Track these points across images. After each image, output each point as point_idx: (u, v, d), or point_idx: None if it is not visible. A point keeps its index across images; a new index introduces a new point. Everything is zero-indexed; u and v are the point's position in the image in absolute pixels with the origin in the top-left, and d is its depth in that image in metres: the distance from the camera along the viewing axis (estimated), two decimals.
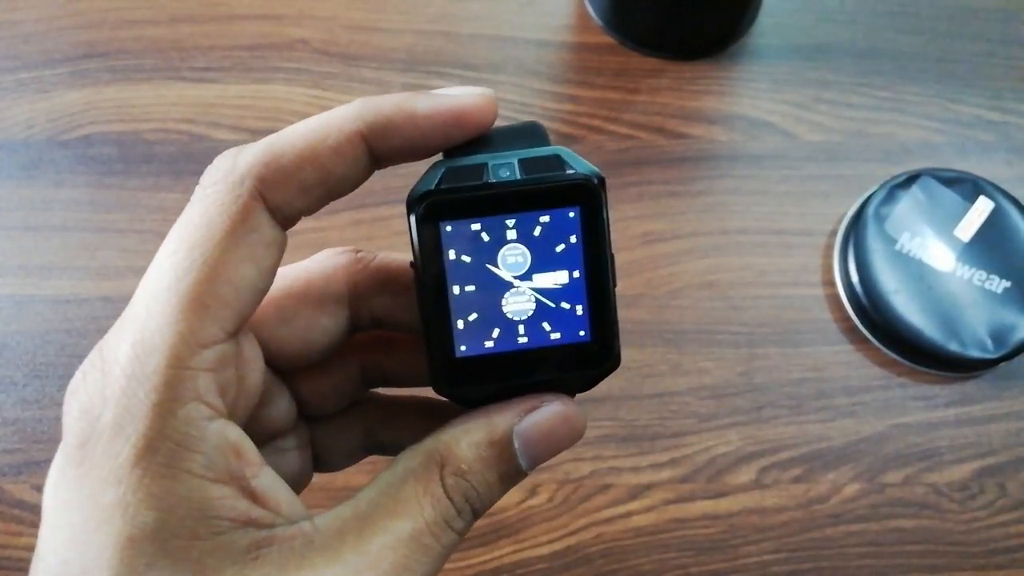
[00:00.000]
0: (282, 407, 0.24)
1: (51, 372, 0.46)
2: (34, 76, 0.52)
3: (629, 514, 0.44)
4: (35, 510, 0.43)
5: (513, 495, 0.44)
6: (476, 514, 0.21)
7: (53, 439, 0.44)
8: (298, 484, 0.25)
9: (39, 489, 0.43)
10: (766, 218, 0.50)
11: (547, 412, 0.22)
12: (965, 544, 0.44)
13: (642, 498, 0.44)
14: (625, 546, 0.43)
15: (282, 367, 0.24)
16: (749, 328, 0.48)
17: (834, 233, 0.50)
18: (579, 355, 0.22)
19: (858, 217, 0.49)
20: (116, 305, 0.47)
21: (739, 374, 0.47)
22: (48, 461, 0.46)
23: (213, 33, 0.54)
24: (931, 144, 0.53)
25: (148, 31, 0.54)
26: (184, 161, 0.50)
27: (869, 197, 0.49)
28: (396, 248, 0.48)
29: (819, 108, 0.53)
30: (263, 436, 0.23)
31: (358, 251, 0.25)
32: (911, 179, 0.49)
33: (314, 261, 0.24)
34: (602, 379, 0.22)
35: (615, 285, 0.22)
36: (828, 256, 0.50)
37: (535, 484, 0.44)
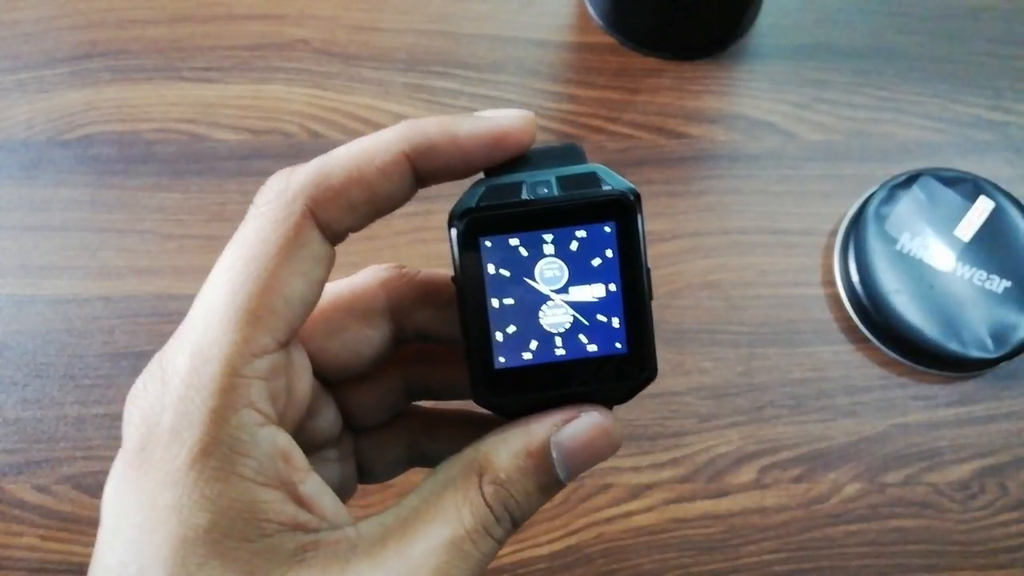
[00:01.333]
0: (328, 418, 0.25)
1: (51, 372, 0.46)
2: (34, 76, 0.52)
3: (629, 514, 0.44)
4: (36, 510, 0.43)
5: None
6: (515, 523, 0.22)
7: (53, 439, 0.44)
8: (343, 494, 0.26)
9: (40, 489, 0.43)
10: (766, 218, 0.50)
11: (585, 423, 0.22)
12: (965, 544, 0.44)
13: (642, 498, 0.44)
14: (625, 546, 0.43)
15: (329, 379, 0.25)
16: (749, 328, 0.48)
17: (834, 233, 0.50)
18: (616, 367, 0.23)
19: (858, 217, 0.49)
20: (116, 305, 0.47)
21: (739, 374, 0.47)
22: (48, 461, 0.46)
23: (213, 33, 0.54)
24: (931, 144, 0.53)
25: (148, 31, 0.54)
26: (184, 161, 0.50)
27: (869, 197, 0.49)
28: (399, 248, 0.49)
29: (819, 108, 0.53)
30: (310, 446, 0.24)
31: (402, 267, 0.26)
32: (911, 179, 0.49)
33: (359, 276, 0.25)
34: (639, 391, 0.23)
35: (651, 298, 0.23)
36: (828, 256, 0.50)
37: None
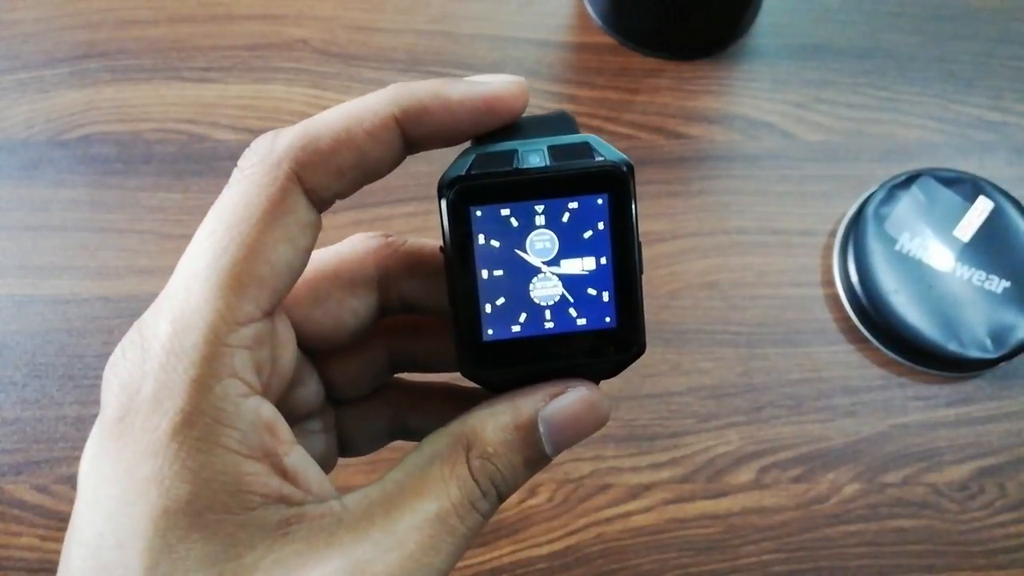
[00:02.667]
0: (311, 389, 0.25)
1: (51, 372, 0.46)
2: (34, 76, 0.52)
3: (629, 514, 0.44)
4: (35, 510, 0.43)
5: (513, 495, 0.44)
6: (501, 497, 0.22)
7: (52, 439, 0.44)
8: (324, 467, 0.25)
9: (39, 489, 0.43)
10: (766, 218, 0.50)
11: (572, 397, 0.22)
12: (965, 544, 0.44)
13: (642, 498, 0.44)
14: (625, 546, 0.43)
15: (312, 349, 0.24)
16: (749, 328, 0.48)
17: (834, 233, 0.50)
18: (605, 341, 0.22)
19: (858, 217, 0.49)
20: (116, 305, 0.47)
21: (739, 374, 0.47)
22: (47, 461, 0.46)
23: (213, 33, 0.54)
24: (931, 144, 0.53)
25: (148, 31, 0.54)
26: (184, 161, 0.50)
27: (869, 197, 0.49)
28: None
29: (819, 108, 0.53)
30: (292, 417, 0.24)
31: (388, 235, 0.25)
32: (911, 179, 0.49)
33: (345, 244, 0.25)
34: (627, 366, 0.23)
35: (642, 273, 0.22)
36: (828, 256, 0.50)
37: (535, 484, 0.44)
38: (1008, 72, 0.55)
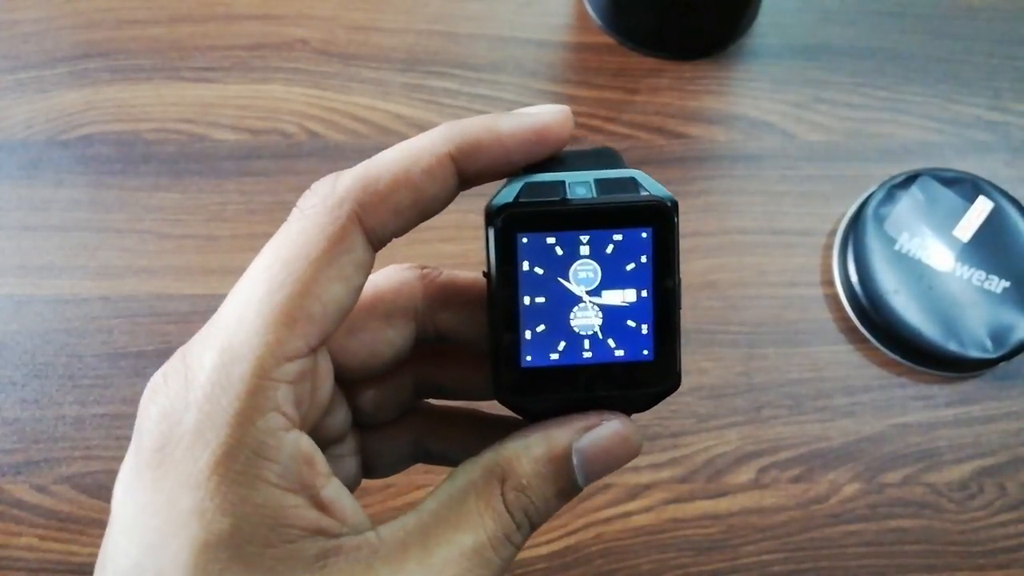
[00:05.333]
0: (340, 416, 0.25)
1: (50, 372, 0.46)
2: (33, 76, 0.52)
3: (628, 514, 0.44)
4: (35, 510, 0.43)
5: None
6: (533, 527, 0.22)
7: (52, 439, 0.44)
8: (349, 490, 0.26)
9: (38, 489, 0.43)
10: (765, 218, 0.50)
11: (606, 430, 0.22)
12: (964, 544, 0.44)
13: (641, 498, 0.44)
14: (624, 546, 0.43)
15: (346, 378, 0.25)
16: (748, 328, 0.48)
17: (833, 233, 0.50)
18: (641, 374, 0.22)
19: (857, 217, 0.49)
20: (116, 305, 0.47)
21: (738, 374, 0.47)
22: (47, 461, 0.46)
23: (212, 33, 0.54)
24: (930, 144, 0.53)
25: (147, 31, 0.54)
26: (183, 161, 0.50)
27: (868, 197, 0.49)
28: (398, 249, 0.48)
29: (819, 108, 0.53)
30: (321, 444, 0.24)
31: (424, 267, 0.25)
32: (910, 179, 0.49)
33: (381, 275, 0.25)
34: (661, 399, 0.23)
35: (680, 308, 0.22)
36: (827, 256, 0.50)
37: None
38: (1008, 72, 0.55)
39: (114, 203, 0.49)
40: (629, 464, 0.44)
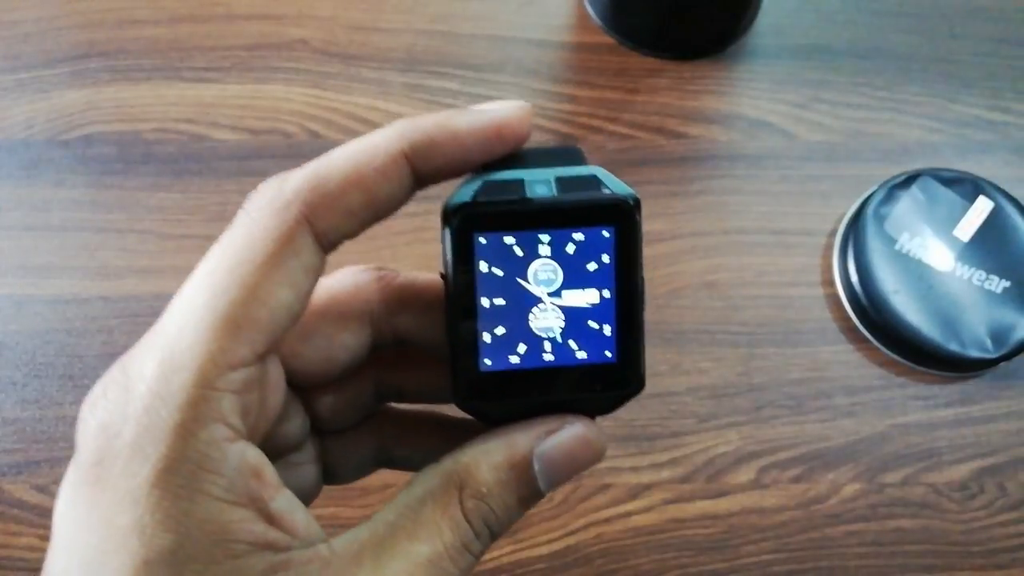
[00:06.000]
0: (296, 424, 0.24)
1: (51, 372, 0.46)
2: (34, 76, 0.52)
3: (628, 514, 0.44)
4: (35, 510, 0.43)
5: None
6: (494, 536, 0.21)
7: (52, 439, 0.44)
8: (308, 498, 0.25)
9: (39, 489, 0.43)
10: (765, 218, 0.50)
11: (568, 434, 0.21)
12: (965, 544, 0.44)
13: (641, 498, 0.44)
14: (624, 546, 0.43)
15: (301, 384, 0.24)
16: (748, 328, 0.48)
17: (833, 233, 0.50)
18: (604, 376, 0.22)
19: (857, 217, 0.49)
20: (115, 305, 0.47)
21: (738, 374, 0.47)
22: (47, 461, 0.46)
23: (213, 33, 0.54)
24: (930, 144, 0.53)
25: (148, 31, 0.54)
26: (184, 161, 0.50)
27: (868, 197, 0.49)
28: (398, 249, 0.48)
29: (818, 108, 0.53)
30: (276, 453, 0.23)
31: (380, 268, 0.25)
32: (910, 179, 0.49)
33: (336, 279, 0.24)
34: (624, 403, 0.22)
35: (644, 308, 0.22)
36: (827, 256, 0.50)
37: None
38: (1008, 72, 0.55)
39: (114, 203, 0.49)
40: (629, 464, 0.45)
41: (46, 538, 0.44)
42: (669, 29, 0.54)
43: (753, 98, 0.54)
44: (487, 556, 0.43)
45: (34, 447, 0.44)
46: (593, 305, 0.21)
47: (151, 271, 0.47)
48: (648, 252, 0.49)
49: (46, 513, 0.43)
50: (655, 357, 0.46)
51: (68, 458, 0.46)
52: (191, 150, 0.50)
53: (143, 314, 0.46)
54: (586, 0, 0.55)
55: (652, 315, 0.47)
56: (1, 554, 0.42)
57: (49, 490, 0.43)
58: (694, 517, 0.44)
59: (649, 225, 0.50)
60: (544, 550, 0.43)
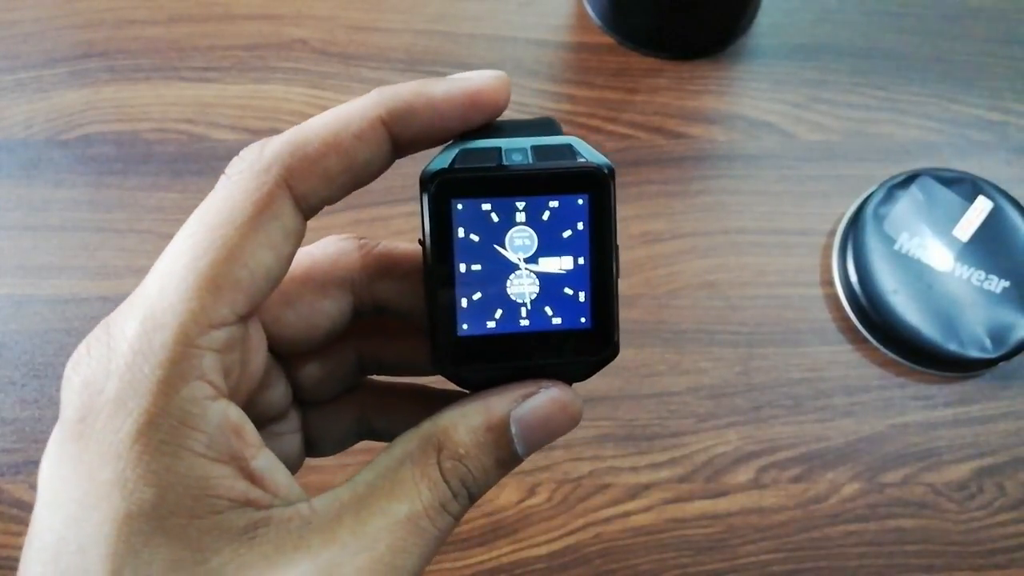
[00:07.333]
0: (279, 392, 0.24)
1: (50, 372, 0.46)
2: (33, 76, 0.52)
3: (627, 514, 0.44)
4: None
5: (512, 495, 0.44)
6: (472, 498, 0.21)
7: None
8: (291, 469, 0.25)
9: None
10: (765, 218, 0.50)
11: (544, 398, 0.22)
12: (964, 544, 0.44)
13: (641, 498, 0.44)
14: (624, 546, 0.43)
15: (282, 351, 0.24)
16: (748, 328, 0.48)
17: (833, 233, 0.50)
18: (579, 342, 0.22)
19: (857, 217, 0.49)
20: (115, 305, 0.46)
21: (738, 374, 0.47)
22: None
23: (212, 33, 0.54)
24: (930, 144, 0.53)
25: (147, 31, 0.54)
26: (183, 161, 0.50)
27: (868, 197, 0.49)
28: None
29: (818, 108, 0.53)
30: (259, 420, 0.24)
31: (361, 238, 0.25)
32: (910, 179, 0.49)
33: (317, 246, 0.25)
34: (599, 368, 0.23)
35: (618, 276, 0.22)
36: (827, 256, 0.50)
37: (534, 484, 0.44)
38: (1007, 72, 0.55)
39: (114, 203, 0.49)
40: (628, 464, 0.45)
41: None
42: (668, 29, 0.54)
43: (753, 98, 0.54)
44: (486, 556, 0.43)
45: (33, 447, 0.44)
46: (568, 272, 0.22)
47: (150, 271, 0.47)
48: (647, 252, 0.49)
49: None
50: (654, 357, 0.46)
51: None
52: (190, 150, 0.50)
53: None
54: (585, 0, 0.55)
55: (651, 315, 0.48)
56: (1, 554, 0.42)
57: None
58: (693, 517, 0.44)
59: (648, 225, 0.50)
60: (543, 550, 0.43)
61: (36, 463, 0.44)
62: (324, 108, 0.57)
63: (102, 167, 0.50)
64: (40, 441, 0.44)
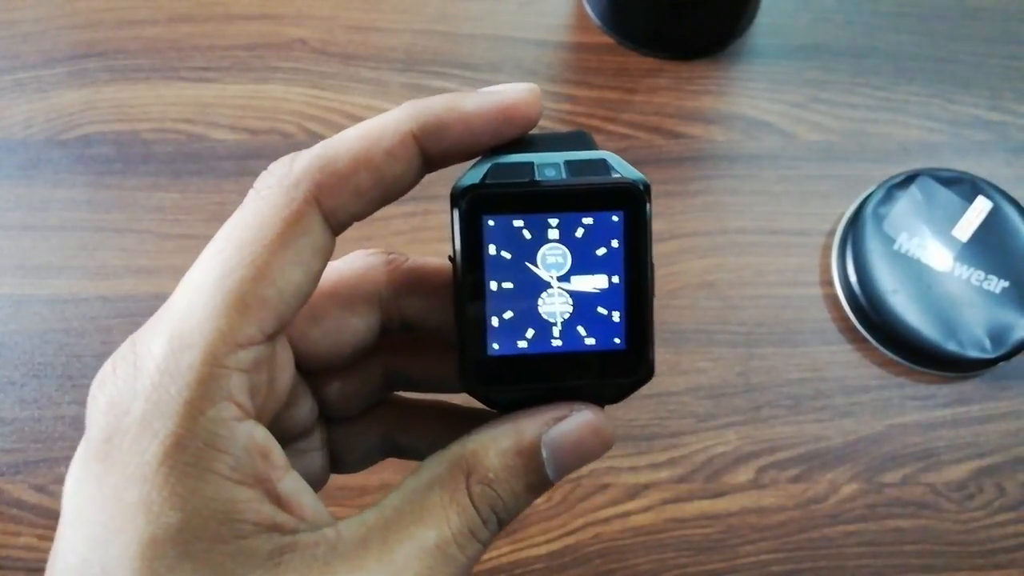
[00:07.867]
0: (305, 409, 0.24)
1: (49, 372, 0.46)
2: (32, 76, 0.52)
3: (627, 514, 0.44)
4: (33, 510, 0.43)
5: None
6: (501, 524, 0.21)
7: (51, 438, 0.44)
8: (315, 486, 0.25)
9: (37, 489, 0.43)
10: (764, 218, 0.50)
11: (576, 422, 0.21)
12: (963, 544, 0.44)
13: (640, 498, 0.44)
14: (623, 546, 0.43)
15: (309, 368, 0.24)
16: (747, 328, 0.48)
17: (832, 233, 0.50)
18: (612, 363, 0.22)
19: (856, 217, 0.49)
20: (114, 305, 0.47)
21: (737, 374, 0.47)
22: (46, 461, 0.46)
23: (211, 33, 0.54)
24: (929, 144, 0.53)
25: (146, 31, 0.54)
26: (182, 161, 0.50)
27: (867, 197, 0.49)
28: (393, 247, 0.48)
29: (817, 108, 0.53)
30: (285, 438, 0.23)
31: (389, 253, 0.25)
32: (909, 179, 0.49)
33: (345, 262, 0.24)
34: (634, 390, 0.22)
35: (654, 295, 0.22)
36: (826, 256, 0.50)
37: None
38: (1007, 72, 0.55)
39: (113, 203, 0.49)
40: (628, 464, 0.45)
41: (45, 538, 0.44)
42: (668, 29, 0.54)
43: (752, 98, 0.54)
44: (486, 556, 0.43)
45: (33, 447, 0.44)
46: (602, 291, 0.21)
47: (150, 271, 0.47)
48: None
49: (45, 513, 0.43)
50: None
51: (67, 458, 0.46)
52: (190, 150, 0.50)
53: (142, 314, 0.46)
54: (585, 0, 0.55)
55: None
56: (1, 554, 0.42)
57: (48, 490, 0.43)
58: (692, 517, 0.44)
59: None
60: (542, 550, 0.43)
61: (35, 463, 0.44)
62: (323, 108, 0.56)
63: (101, 167, 0.50)
64: (39, 441, 0.44)
